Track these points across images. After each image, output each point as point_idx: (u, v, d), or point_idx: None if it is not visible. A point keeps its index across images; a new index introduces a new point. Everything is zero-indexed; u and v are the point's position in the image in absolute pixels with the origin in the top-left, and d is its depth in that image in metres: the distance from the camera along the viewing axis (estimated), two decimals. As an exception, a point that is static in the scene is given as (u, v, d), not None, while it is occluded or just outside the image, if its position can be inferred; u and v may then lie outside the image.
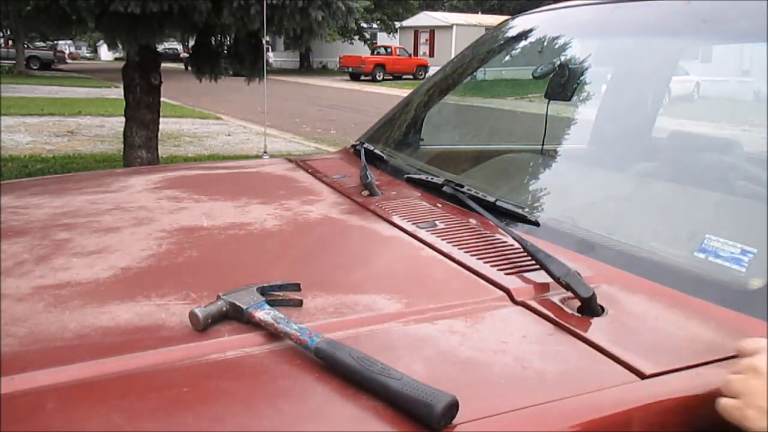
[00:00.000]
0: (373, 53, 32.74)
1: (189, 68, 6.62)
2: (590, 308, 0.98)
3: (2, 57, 28.03)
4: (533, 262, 1.11)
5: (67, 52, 40.29)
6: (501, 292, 1.05)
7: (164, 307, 0.98)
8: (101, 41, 35.24)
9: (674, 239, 1.21)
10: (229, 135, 10.93)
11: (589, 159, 1.77)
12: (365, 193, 1.61)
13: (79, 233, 1.32)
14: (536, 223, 1.29)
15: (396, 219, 1.40)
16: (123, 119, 6.38)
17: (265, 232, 1.38)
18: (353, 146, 2.07)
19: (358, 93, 22.36)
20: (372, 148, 1.93)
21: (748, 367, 0.76)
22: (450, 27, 34.51)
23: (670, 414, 0.79)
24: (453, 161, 2.10)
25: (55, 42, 31.65)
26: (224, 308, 0.92)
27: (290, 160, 2.11)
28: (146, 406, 0.74)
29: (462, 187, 1.47)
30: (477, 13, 39.31)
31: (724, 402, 0.76)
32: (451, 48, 31.43)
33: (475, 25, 32.54)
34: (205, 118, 13.30)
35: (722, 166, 1.53)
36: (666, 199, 1.40)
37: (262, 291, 0.97)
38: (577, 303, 0.99)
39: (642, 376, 0.82)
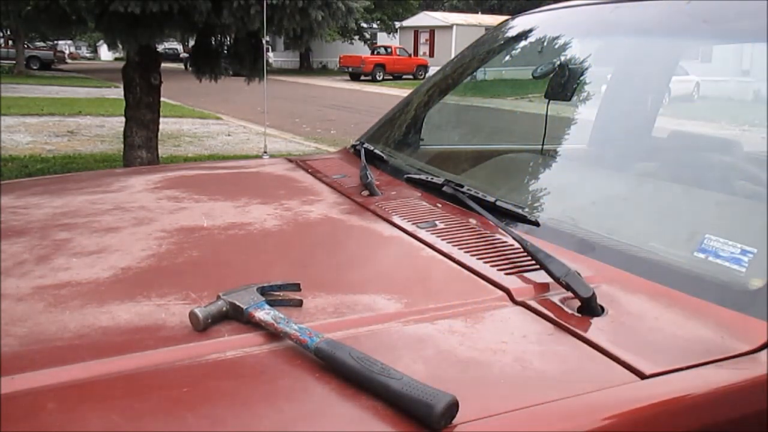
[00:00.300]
0: (373, 53, 32.75)
1: (189, 68, 6.63)
2: (590, 308, 0.97)
3: (2, 57, 28.07)
4: (533, 262, 1.11)
5: (67, 52, 40.34)
6: (501, 292, 1.05)
7: (164, 307, 0.98)
8: (101, 41, 35.28)
9: (674, 239, 1.21)
10: (229, 135, 10.93)
11: (589, 159, 1.78)
12: (365, 193, 1.61)
13: (79, 233, 1.32)
14: (536, 223, 1.29)
15: (396, 219, 1.40)
16: (123, 119, 6.38)
17: (265, 232, 1.38)
18: (353, 146, 2.07)
19: (358, 93, 22.36)
20: (372, 148, 1.93)
21: None
22: (450, 27, 34.52)
23: (670, 414, 0.79)
24: (453, 161, 2.10)
25: (55, 42, 31.68)
26: (224, 308, 0.92)
27: (290, 160, 2.11)
28: (146, 406, 0.74)
29: (462, 187, 1.47)
30: (477, 13, 39.33)
31: None
32: (451, 48, 31.45)
33: (475, 25, 32.55)
34: (205, 118, 13.30)
35: (722, 166, 1.53)
36: (666, 199, 1.40)
37: (262, 291, 0.97)
38: (577, 303, 0.99)
39: (642, 376, 0.81)
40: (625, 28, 1.74)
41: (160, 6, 4.87)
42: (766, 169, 1.35)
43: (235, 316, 0.92)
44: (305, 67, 38.69)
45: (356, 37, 36.04)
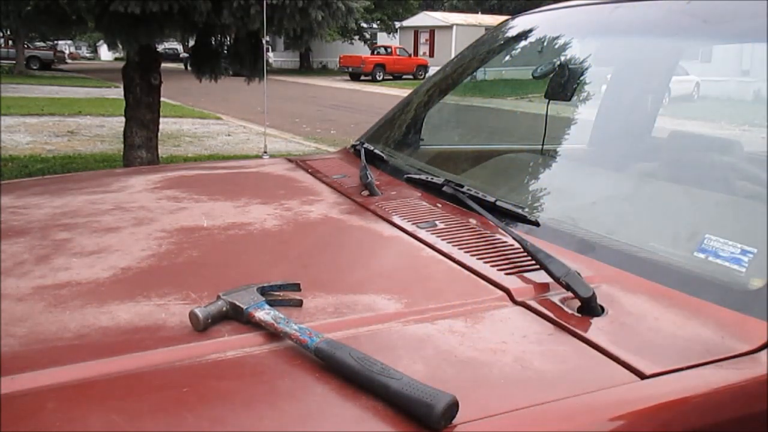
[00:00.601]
0: (373, 53, 32.75)
1: (189, 68, 6.62)
2: (590, 308, 0.97)
3: (2, 57, 28.06)
4: (533, 262, 1.10)
5: (67, 52, 40.29)
6: (501, 292, 1.05)
7: (164, 307, 0.98)
8: (101, 41, 35.28)
9: (674, 239, 1.21)
10: (229, 135, 10.93)
11: (589, 159, 1.78)
12: (365, 193, 1.61)
13: (79, 233, 1.32)
14: (536, 223, 1.29)
15: (396, 219, 1.40)
16: (123, 119, 6.38)
17: (265, 232, 1.38)
18: (353, 146, 2.07)
19: (358, 93, 22.36)
20: (372, 148, 1.93)
21: None
22: (450, 27, 34.52)
23: (670, 414, 0.79)
24: (453, 161, 2.10)
25: (55, 42, 31.63)
26: (224, 308, 0.92)
27: (290, 160, 2.11)
28: (146, 406, 0.74)
29: (462, 187, 1.47)
30: (477, 13, 39.32)
31: None
32: (451, 48, 31.46)
33: (475, 25, 32.55)
34: (205, 118, 13.30)
35: (722, 166, 1.53)
36: (666, 199, 1.40)
37: (262, 291, 0.97)
38: (577, 303, 0.99)
39: (642, 376, 0.81)
40: (625, 28, 1.74)
41: (160, 6, 4.87)
42: (766, 169, 1.35)
43: (235, 316, 0.92)
44: (305, 67, 38.69)
45: (356, 37, 36.03)
